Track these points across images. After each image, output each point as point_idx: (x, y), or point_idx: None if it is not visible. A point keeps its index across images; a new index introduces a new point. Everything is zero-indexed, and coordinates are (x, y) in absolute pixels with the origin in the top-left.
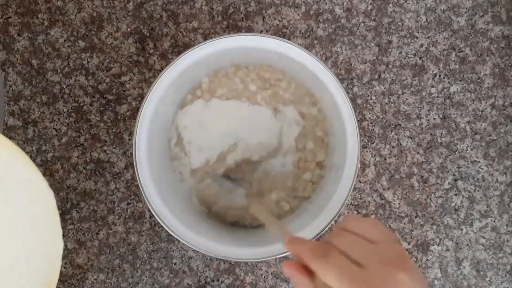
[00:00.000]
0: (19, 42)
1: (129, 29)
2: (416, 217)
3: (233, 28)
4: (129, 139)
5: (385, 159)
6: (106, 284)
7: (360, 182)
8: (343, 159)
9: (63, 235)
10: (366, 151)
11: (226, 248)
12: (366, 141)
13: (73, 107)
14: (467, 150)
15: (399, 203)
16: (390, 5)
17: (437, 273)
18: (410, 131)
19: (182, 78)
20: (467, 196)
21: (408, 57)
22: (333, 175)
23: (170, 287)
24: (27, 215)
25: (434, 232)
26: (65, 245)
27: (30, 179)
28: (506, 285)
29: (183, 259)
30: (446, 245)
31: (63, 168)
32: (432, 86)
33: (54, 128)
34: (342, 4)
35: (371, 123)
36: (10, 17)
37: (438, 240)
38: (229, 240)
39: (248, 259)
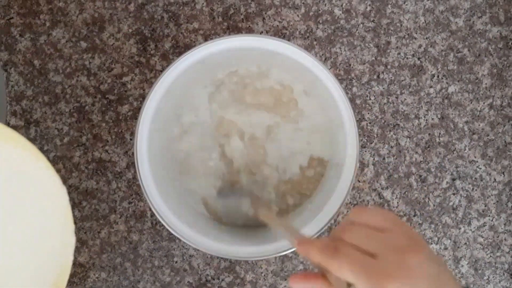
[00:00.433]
0: (21, 42)
1: (130, 30)
2: (414, 216)
3: (234, 29)
4: (131, 139)
5: (384, 158)
6: (107, 282)
7: (359, 181)
8: (342, 159)
9: None
10: (365, 151)
11: (226, 247)
12: (365, 141)
13: (75, 107)
14: (465, 150)
15: (397, 202)
16: (389, 6)
17: None
18: (408, 131)
19: (183, 79)
20: (465, 195)
21: (407, 58)
22: (333, 174)
23: (171, 285)
24: (41, 210)
25: (432, 231)
26: None
27: (43, 175)
28: (504, 284)
29: (184, 257)
30: (444, 243)
31: (65, 167)
32: (431, 87)
33: (56, 128)
34: (341, 6)
35: (370, 123)
36: (12, 17)
37: (436, 239)
38: (229, 239)
39: (248, 257)
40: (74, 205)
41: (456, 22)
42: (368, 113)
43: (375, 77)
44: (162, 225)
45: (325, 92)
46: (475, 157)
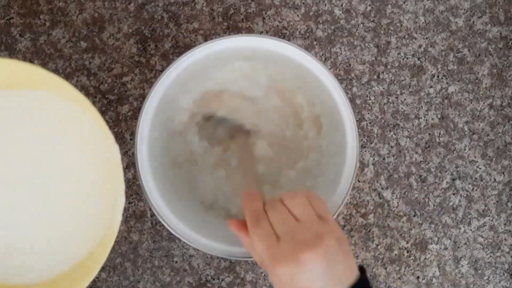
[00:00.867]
0: (21, 42)
1: (130, 30)
2: (414, 216)
3: (234, 29)
4: (131, 139)
5: (384, 158)
6: (107, 282)
7: (359, 181)
8: (342, 159)
9: None
10: (365, 151)
11: (226, 247)
12: (365, 141)
13: None
14: (465, 149)
15: (397, 202)
16: (389, 6)
17: (435, 271)
18: (408, 131)
19: (183, 79)
20: (465, 195)
21: (407, 58)
22: (332, 174)
23: (171, 285)
24: (96, 166)
25: (432, 231)
26: None
27: (99, 133)
28: (504, 284)
29: (184, 257)
30: (444, 244)
31: None
32: (431, 87)
33: None
34: (341, 6)
35: (370, 123)
36: (12, 18)
37: (436, 239)
38: (229, 239)
39: (248, 257)
40: None
41: (456, 22)
42: (368, 113)
43: (375, 77)
44: (162, 225)
45: (325, 92)
46: (475, 157)
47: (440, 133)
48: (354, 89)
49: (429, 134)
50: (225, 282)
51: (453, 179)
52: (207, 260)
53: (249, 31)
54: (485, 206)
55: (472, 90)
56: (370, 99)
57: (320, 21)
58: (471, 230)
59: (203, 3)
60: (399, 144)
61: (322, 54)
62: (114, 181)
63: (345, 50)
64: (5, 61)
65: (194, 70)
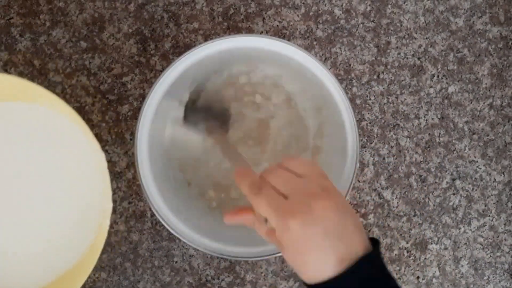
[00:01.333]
0: (21, 42)
1: (130, 30)
2: (414, 216)
3: (234, 29)
4: (131, 139)
5: (384, 158)
6: (107, 282)
7: (359, 181)
8: (342, 159)
9: None
10: (365, 151)
11: (226, 247)
12: (365, 141)
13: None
14: (465, 150)
15: (397, 202)
16: (389, 6)
17: (435, 271)
18: (408, 131)
19: (183, 79)
20: (465, 195)
21: (407, 58)
22: (332, 174)
23: (171, 285)
24: (82, 173)
25: (432, 231)
26: None
27: (84, 141)
28: (504, 284)
29: (184, 257)
30: (444, 243)
31: None
32: (431, 87)
33: None
34: (341, 6)
35: (370, 123)
36: (12, 17)
37: (436, 239)
38: (229, 239)
39: (248, 257)
40: None
41: (456, 22)
42: (368, 113)
43: (375, 77)
44: (162, 225)
45: (325, 92)
46: (475, 157)
47: (440, 133)
48: (354, 89)
49: (429, 134)
50: (225, 282)
51: (453, 179)
52: (207, 260)
53: (249, 31)
54: (485, 206)
55: (472, 90)
56: (370, 99)
57: (320, 21)
58: (471, 230)
59: (203, 3)
60: (399, 144)
61: (322, 54)
62: (102, 187)
63: (345, 50)
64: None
65: (194, 70)
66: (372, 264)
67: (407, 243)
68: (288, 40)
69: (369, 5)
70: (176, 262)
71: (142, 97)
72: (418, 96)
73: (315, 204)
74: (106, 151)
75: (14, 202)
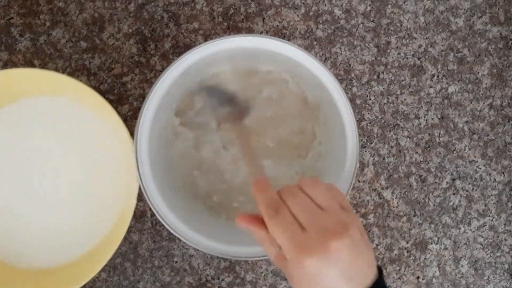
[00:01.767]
0: (21, 42)
1: (130, 30)
2: (414, 216)
3: (233, 29)
4: None
5: (384, 158)
6: (107, 282)
7: (359, 181)
8: (342, 159)
9: None
10: (365, 151)
11: (226, 247)
12: (365, 141)
13: None
14: (465, 149)
15: (397, 202)
16: (389, 6)
17: (435, 271)
18: (408, 131)
19: (183, 79)
20: (465, 195)
21: (407, 58)
22: (332, 174)
23: (171, 285)
24: (115, 156)
25: (432, 231)
26: None
27: (116, 129)
28: (504, 284)
29: (184, 257)
30: (444, 243)
31: None
32: (431, 87)
33: None
34: (341, 6)
35: (370, 123)
36: (12, 17)
37: (436, 239)
38: (229, 239)
39: (248, 257)
40: None
41: (456, 22)
42: (368, 113)
43: (375, 77)
44: (162, 225)
45: (325, 92)
46: (475, 157)
47: (440, 133)
48: (354, 89)
49: (429, 134)
50: (225, 282)
51: (453, 179)
52: (207, 260)
53: (249, 31)
54: (485, 206)
55: (472, 90)
56: (370, 99)
57: (320, 21)
58: (471, 230)
59: (203, 3)
60: (399, 144)
61: (322, 54)
62: (129, 170)
63: (345, 50)
64: (35, 71)
65: (194, 70)
66: None
67: (407, 243)
68: (288, 40)
69: (369, 5)
70: (176, 262)
71: (142, 97)
72: (418, 96)
73: (333, 244)
74: None
75: (54, 186)
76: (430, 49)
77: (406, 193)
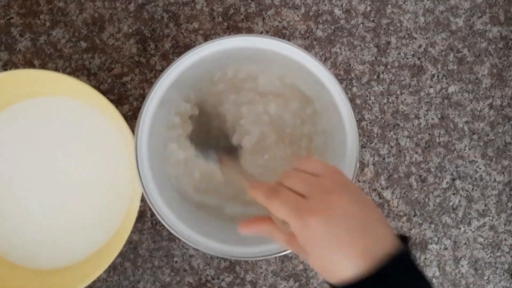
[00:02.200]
0: (21, 42)
1: (130, 30)
2: (414, 216)
3: (234, 29)
4: None
5: (384, 158)
6: (107, 282)
7: (359, 181)
8: (342, 159)
9: None
10: (365, 151)
11: (226, 247)
12: (365, 141)
13: None
14: (465, 150)
15: (397, 202)
16: (389, 6)
17: (435, 271)
18: (408, 131)
19: (183, 79)
20: (465, 195)
21: (407, 58)
22: None
23: (171, 285)
24: (119, 157)
25: (432, 231)
26: None
27: (119, 128)
28: (504, 284)
29: (184, 257)
30: (444, 243)
31: None
32: (431, 87)
33: None
34: (341, 6)
35: (370, 123)
36: (12, 17)
37: (436, 239)
38: (229, 239)
39: (248, 257)
40: None
41: (456, 22)
42: (368, 113)
43: (375, 77)
44: (162, 225)
45: (325, 92)
46: (475, 157)
47: (440, 133)
48: (354, 89)
49: (429, 134)
50: (225, 282)
51: (453, 179)
52: (207, 260)
53: (249, 31)
54: (485, 206)
55: (472, 90)
56: (370, 99)
57: (320, 21)
58: (471, 230)
59: (203, 3)
60: (399, 144)
61: (322, 54)
62: (133, 171)
63: (345, 50)
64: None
65: (194, 70)
66: (404, 265)
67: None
68: (288, 40)
69: (369, 5)
70: (176, 262)
71: (142, 97)
72: (418, 96)
73: (335, 200)
74: None
75: (59, 188)
76: (430, 49)
77: (406, 193)
